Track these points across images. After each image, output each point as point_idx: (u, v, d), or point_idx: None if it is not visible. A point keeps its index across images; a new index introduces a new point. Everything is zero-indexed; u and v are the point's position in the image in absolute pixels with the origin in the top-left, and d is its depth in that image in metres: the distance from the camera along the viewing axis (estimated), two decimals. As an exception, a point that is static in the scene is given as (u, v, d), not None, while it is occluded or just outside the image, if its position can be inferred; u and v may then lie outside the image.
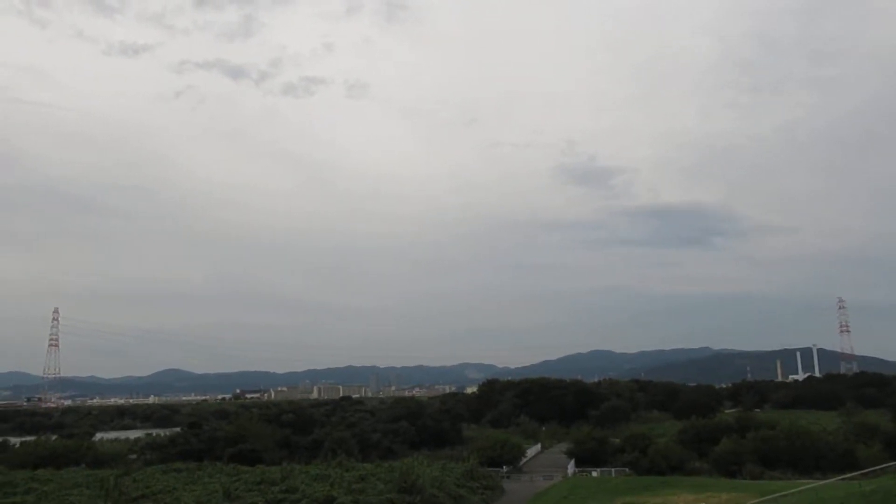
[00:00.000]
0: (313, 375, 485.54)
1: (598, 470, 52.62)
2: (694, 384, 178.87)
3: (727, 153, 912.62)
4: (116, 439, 74.67)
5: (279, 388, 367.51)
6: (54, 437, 55.35)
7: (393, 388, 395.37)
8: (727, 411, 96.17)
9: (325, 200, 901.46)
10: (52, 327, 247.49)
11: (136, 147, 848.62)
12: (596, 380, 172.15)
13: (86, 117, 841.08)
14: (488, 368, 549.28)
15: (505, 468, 53.34)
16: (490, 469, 48.71)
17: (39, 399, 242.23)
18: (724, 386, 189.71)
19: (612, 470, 51.90)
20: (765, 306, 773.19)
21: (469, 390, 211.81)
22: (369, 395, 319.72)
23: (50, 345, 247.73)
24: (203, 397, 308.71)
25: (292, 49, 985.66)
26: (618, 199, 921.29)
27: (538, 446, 72.80)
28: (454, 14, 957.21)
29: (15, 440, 58.28)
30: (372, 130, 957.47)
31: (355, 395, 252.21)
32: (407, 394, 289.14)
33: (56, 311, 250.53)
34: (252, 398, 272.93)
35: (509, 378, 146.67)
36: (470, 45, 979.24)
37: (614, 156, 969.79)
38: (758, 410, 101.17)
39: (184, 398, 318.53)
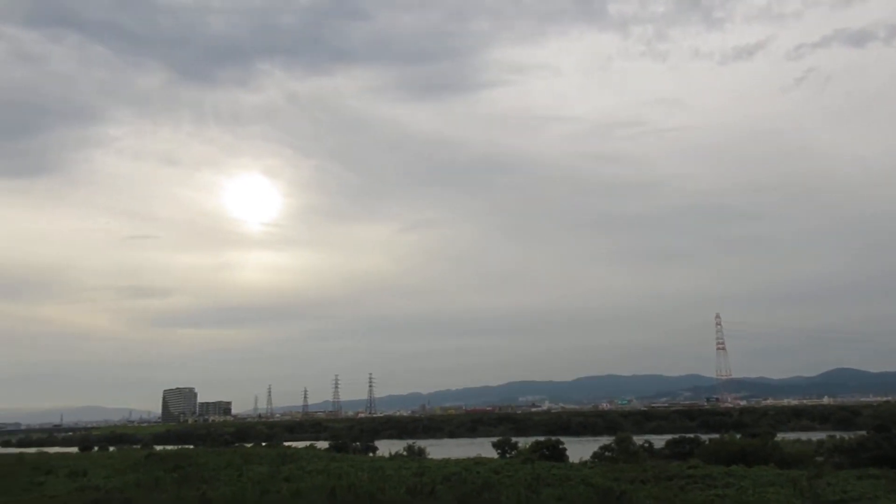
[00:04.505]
0: None
1: None
2: None
3: None
4: (798, 440, 74.04)
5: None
6: (738, 436, 58.17)
7: None
8: None
9: None
10: (717, 332, 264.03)
11: (766, 146, 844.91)
12: None
13: (715, 130, 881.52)
14: None
15: None
16: None
17: (717, 399, 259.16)
18: None
19: None
20: None
21: None
22: None
23: (717, 348, 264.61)
24: (884, 398, 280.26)
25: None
26: None
27: None
28: None
29: (704, 437, 63.40)
30: None
31: None
32: None
33: (717, 316, 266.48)
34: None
35: None
36: None
37: None
38: None
39: (861, 399, 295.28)
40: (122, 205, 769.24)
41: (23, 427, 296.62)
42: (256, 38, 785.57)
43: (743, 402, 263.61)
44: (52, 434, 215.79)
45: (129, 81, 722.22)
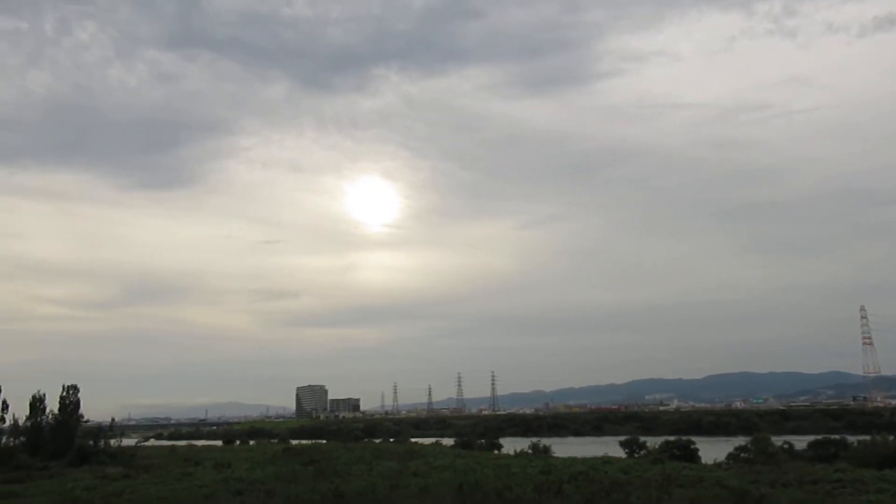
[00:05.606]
0: None
1: None
2: None
3: None
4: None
5: None
6: (891, 438, 53.88)
7: None
8: None
9: None
10: (863, 325, 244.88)
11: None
12: None
13: (850, 109, 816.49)
14: None
15: None
16: None
17: (864, 398, 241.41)
18: None
19: None
20: None
21: None
22: None
23: (863, 343, 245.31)
24: None
25: None
26: None
27: None
28: None
29: (851, 439, 59.27)
30: None
31: None
32: None
33: (862, 308, 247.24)
34: None
35: None
36: None
37: None
38: None
39: None
40: (254, 212, 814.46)
41: (173, 421, 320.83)
42: (372, 43, 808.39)
43: (895, 402, 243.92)
44: (198, 428, 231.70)
45: (256, 93, 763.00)
